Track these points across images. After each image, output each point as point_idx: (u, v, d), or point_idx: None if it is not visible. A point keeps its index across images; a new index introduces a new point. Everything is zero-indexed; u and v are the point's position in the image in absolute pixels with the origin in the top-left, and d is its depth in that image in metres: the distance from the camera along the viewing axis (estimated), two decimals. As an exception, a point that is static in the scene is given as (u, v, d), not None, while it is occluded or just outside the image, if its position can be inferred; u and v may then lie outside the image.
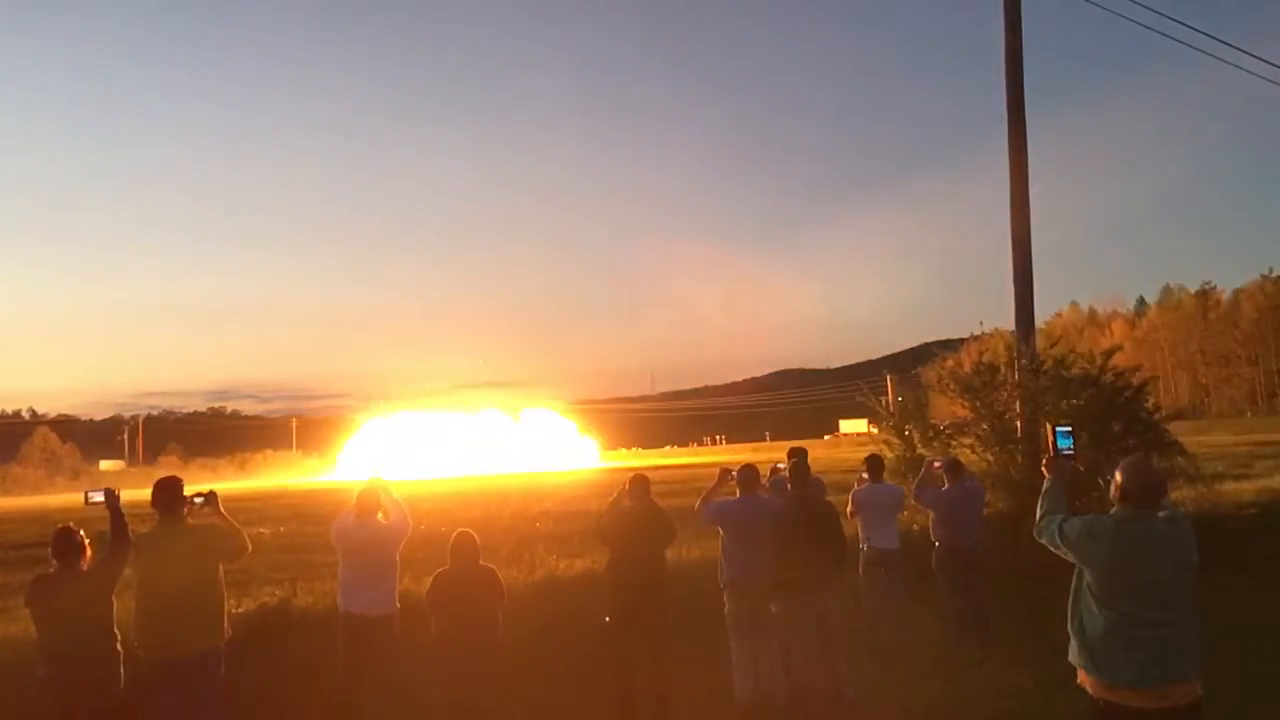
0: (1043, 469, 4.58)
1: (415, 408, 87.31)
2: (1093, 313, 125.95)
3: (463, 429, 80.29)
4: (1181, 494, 12.20)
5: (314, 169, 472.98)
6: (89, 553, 5.56)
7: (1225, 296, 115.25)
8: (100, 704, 5.34)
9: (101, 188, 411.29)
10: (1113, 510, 4.03)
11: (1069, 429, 4.68)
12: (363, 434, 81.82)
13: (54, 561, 5.49)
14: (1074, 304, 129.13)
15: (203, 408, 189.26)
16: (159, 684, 5.45)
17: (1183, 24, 14.54)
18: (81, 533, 5.54)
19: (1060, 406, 12.22)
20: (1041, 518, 4.27)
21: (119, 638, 5.51)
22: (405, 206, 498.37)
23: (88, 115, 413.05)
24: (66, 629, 5.35)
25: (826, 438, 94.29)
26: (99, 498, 5.71)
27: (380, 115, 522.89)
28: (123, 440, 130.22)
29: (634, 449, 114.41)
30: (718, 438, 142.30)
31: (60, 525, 5.60)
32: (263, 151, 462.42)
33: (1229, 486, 14.98)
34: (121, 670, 5.46)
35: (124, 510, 5.69)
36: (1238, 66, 15.28)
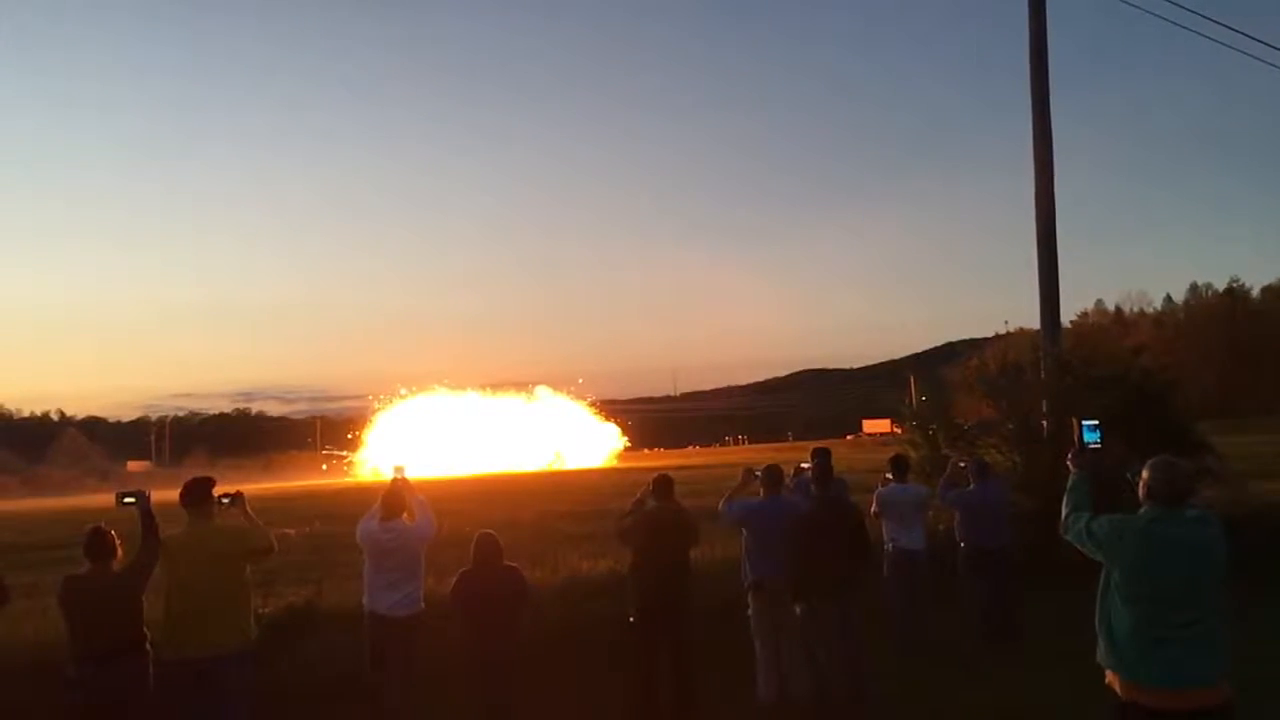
0: (1068, 463, 4.49)
1: (437, 405, 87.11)
2: (1119, 311, 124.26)
3: (485, 425, 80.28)
4: (1211, 494, 12.07)
5: (334, 171, 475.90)
6: (120, 553, 5.63)
7: (1254, 294, 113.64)
8: (129, 704, 5.39)
9: (129, 191, 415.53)
10: (1141, 509, 4.00)
11: (1096, 423, 4.61)
12: (384, 431, 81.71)
13: (86, 561, 5.55)
14: (1099, 303, 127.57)
15: (228, 409, 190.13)
16: (187, 684, 5.48)
17: (1212, 20, 14.37)
18: (113, 533, 5.61)
19: (1087, 406, 12.12)
20: (1068, 515, 4.23)
21: (149, 638, 5.56)
22: (429, 207, 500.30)
23: (109, 116, 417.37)
24: (97, 628, 5.40)
25: (850, 438, 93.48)
26: (131, 500, 5.75)
27: (397, 113, 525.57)
28: (150, 441, 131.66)
29: (657, 449, 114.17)
30: (741, 438, 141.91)
31: (92, 525, 5.64)
32: (284, 155, 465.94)
33: (1258, 487, 14.79)
34: (151, 670, 5.51)
35: (154, 511, 5.74)
36: (1267, 63, 15.06)
